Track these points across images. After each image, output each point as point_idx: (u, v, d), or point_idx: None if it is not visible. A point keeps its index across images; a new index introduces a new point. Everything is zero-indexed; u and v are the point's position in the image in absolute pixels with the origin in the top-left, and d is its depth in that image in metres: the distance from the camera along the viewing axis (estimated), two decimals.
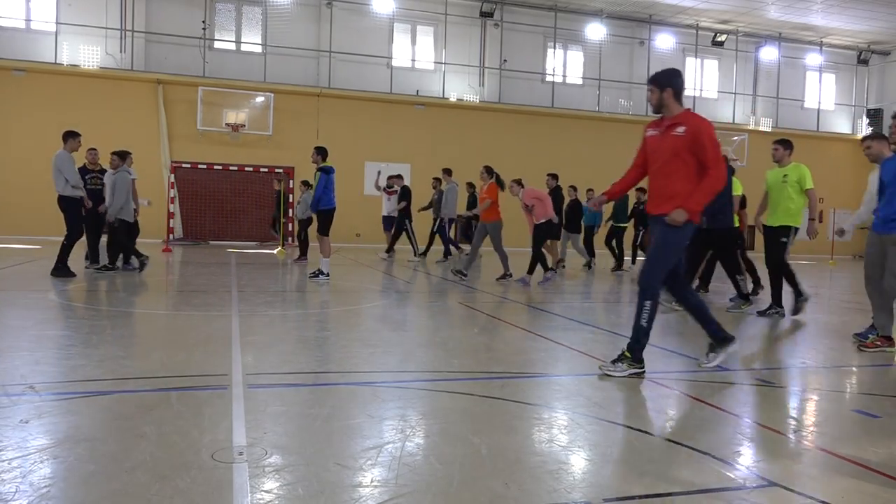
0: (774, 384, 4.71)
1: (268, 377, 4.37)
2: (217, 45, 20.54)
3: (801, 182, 7.69)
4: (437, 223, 15.39)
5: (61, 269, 9.41)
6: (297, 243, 15.81)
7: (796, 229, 7.84)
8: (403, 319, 7.28)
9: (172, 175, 18.88)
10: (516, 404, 3.90)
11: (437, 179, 15.71)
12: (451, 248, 16.10)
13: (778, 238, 7.78)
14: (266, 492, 2.56)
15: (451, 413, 3.73)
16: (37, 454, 2.85)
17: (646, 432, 3.47)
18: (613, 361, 4.64)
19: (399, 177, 16.28)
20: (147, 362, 4.64)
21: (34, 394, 3.73)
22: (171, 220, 18.63)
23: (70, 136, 9.71)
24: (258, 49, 20.75)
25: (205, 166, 19.17)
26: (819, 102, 26.55)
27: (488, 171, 11.19)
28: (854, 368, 5.50)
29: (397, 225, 15.18)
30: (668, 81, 4.60)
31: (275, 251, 16.02)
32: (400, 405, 3.85)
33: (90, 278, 9.61)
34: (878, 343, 5.90)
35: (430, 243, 15.65)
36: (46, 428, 3.19)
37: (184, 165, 19.10)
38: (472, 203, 14.99)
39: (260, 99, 20.15)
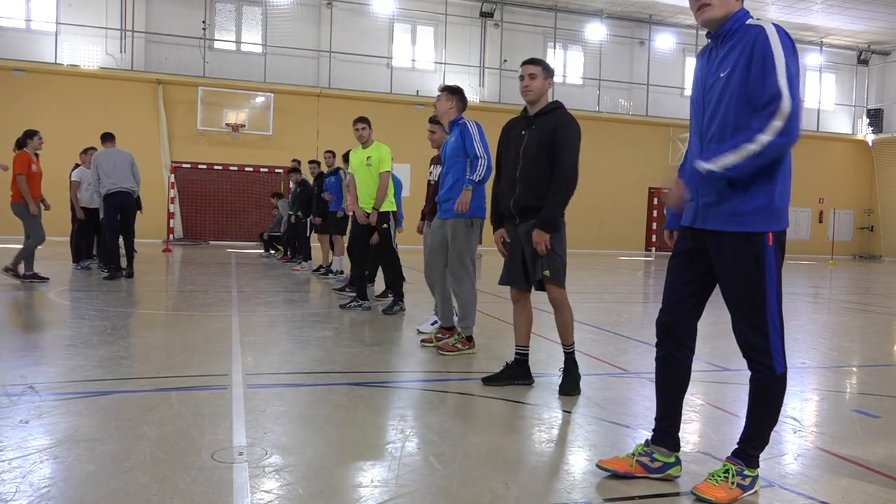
0: None
1: (268, 377, 4.37)
2: (217, 45, 20.53)
3: (379, 164, 7.37)
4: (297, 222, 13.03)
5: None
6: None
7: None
8: (403, 319, 7.27)
9: (172, 175, 18.86)
10: (516, 404, 3.90)
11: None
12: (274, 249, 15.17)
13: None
14: (266, 492, 2.56)
15: (451, 413, 3.73)
16: (37, 454, 2.85)
17: (646, 432, 3.47)
18: None
19: None
20: (147, 362, 4.64)
21: (34, 394, 3.73)
22: (172, 221, 18.62)
23: (107, 139, 9.52)
24: (258, 49, 20.74)
25: (205, 166, 19.17)
26: (819, 102, 26.52)
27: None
28: (854, 368, 5.50)
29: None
30: None
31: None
32: (400, 405, 3.85)
33: (90, 278, 9.60)
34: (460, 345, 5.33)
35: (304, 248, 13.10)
36: (46, 428, 3.19)
37: (184, 165, 19.10)
38: None
39: (260, 99, 20.14)
